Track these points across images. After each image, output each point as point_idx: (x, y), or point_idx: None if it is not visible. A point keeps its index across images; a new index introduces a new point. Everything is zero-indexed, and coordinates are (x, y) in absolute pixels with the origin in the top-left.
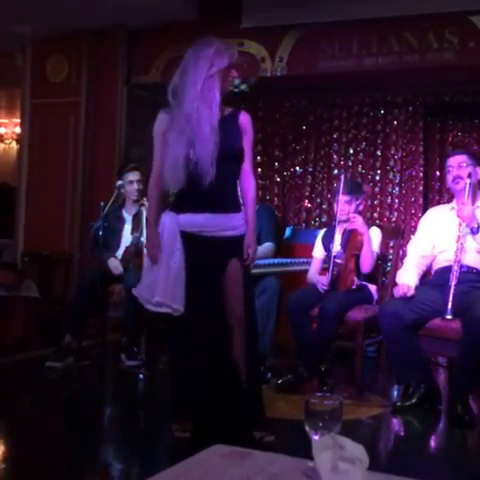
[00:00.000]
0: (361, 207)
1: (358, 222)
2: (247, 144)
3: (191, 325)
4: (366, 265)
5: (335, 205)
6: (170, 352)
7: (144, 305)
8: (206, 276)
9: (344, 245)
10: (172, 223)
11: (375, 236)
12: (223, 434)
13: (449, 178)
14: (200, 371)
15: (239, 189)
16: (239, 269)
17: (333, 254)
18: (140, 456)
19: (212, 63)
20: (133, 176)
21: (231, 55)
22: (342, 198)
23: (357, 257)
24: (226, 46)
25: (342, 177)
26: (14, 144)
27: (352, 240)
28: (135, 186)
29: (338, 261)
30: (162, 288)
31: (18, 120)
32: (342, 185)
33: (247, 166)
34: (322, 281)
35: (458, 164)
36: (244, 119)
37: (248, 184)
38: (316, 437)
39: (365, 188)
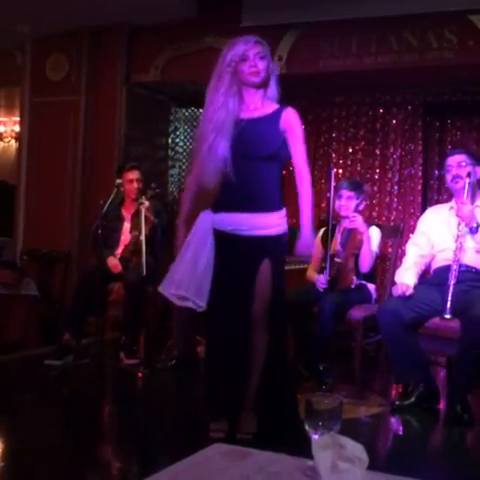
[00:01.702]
0: (361, 206)
1: (358, 221)
2: (293, 143)
3: (220, 322)
4: (365, 264)
5: (335, 202)
6: (205, 349)
7: (170, 299)
8: (236, 274)
9: (343, 244)
10: (205, 221)
11: (374, 235)
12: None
13: (448, 177)
14: (229, 369)
15: (299, 183)
16: (269, 270)
17: (331, 253)
18: (139, 455)
19: (224, 57)
20: (133, 175)
21: (243, 44)
22: (346, 193)
23: (356, 256)
24: (242, 38)
25: (332, 172)
26: (13, 142)
27: (352, 239)
28: (135, 185)
29: (337, 260)
30: (187, 283)
31: (17, 118)
32: (332, 180)
33: (298, 167)
34: (321, 280)
35: (457, 163)
36: (286, 117)
37: (299, 187)
38: (316, 436)
39: (365, 188)
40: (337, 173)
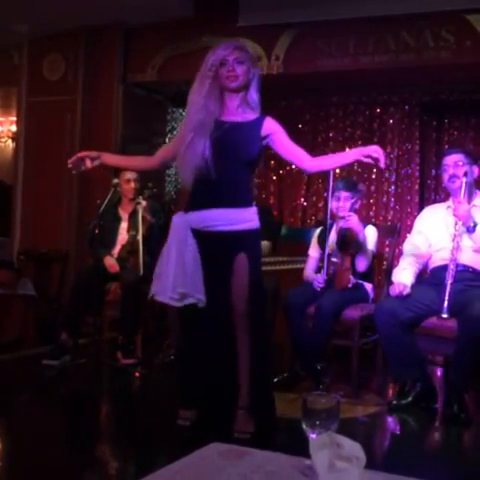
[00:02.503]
0: (356, 205)
1: (353, 220)
2: (282, 140)
3: (196, 316)
4: (362, 264)
5: (331, 202)
6: (179, 341)
7: (167, 303)
8: (213, 271)
9: (340, 244)
10: (180, 221)
11: (371, 235)
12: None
13: (445, 177)
14: (204, 362)
15: (309, 165)
16: (245, 265)
17: (328, 252)
18: (137, 454)
19: (207, 61)
20: (130, 174)
21: (223, 49)
22: (343, 194)
23: (353, 256)
24: (224, 43)
25: (331, 173)
26: (10, 142)
27: (348, 239)
28: (132, 185)
29: (334, 260)
30: (182, 281)
31: (14, 118)
32: (331, 180)
33: (297, 152)
34: (318, 279)
35: (454, 163)
36: (268, 124)
37: (315, 160)
38: (313, 435)
39: (360, 187)
40: (334, 173)
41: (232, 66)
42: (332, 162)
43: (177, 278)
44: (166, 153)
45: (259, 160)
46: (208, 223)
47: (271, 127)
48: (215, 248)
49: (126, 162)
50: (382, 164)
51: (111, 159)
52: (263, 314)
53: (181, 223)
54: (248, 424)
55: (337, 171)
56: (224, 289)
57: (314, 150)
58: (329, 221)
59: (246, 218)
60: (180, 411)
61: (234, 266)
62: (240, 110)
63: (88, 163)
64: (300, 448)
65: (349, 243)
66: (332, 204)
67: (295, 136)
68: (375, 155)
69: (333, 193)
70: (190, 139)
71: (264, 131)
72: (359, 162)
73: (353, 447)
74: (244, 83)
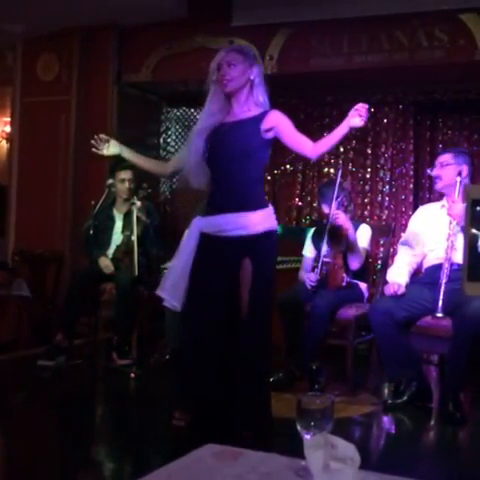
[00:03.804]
0: (344, 203)
1: (341, 218)
2: (286, 130)
3: (197, 321)
4: (354, 261)
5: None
6: (181, 342)
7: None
8: (217, 275)
9: (330, 243)
10: (194, 226)
11: (364, 233)
12: (219, 431)
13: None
14: (203, 366)
15: (310, 152)
16: (248, 270)
17: (322, 253)
18: (132, 455)
19: (210, 66)
20: (125, 175)
21: (219, 54)
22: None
23: (344, 253)
24: (221, 50)
25: (339, 172)
26: (4, 143)
27: (337, 237)
28: (126, 185)
29: (325, 259)
30: (165, 285)
31: (8, 119)
32: (339, 178)
33: (301, 141)
34: (310, 278)
35: (439, 164)
36: (272, 116)
37: (314, 145)
38: (308, 436)
39: (345, 185)
40: (328, 172)
41: (224, 70)
42: (329, 140)
43: (166, 280)
44: (177, 161)
45: (262, 153)
46: (218, 228)
47: (274, 119)
48: (223, 253)
49: (140, 161)
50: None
51: (128, 153)
52: (268, 319)
53: (193, 228)
54: (248, 424)
55: (331, 170)
56: (230, 294)
57: None
58: (324, 221)
59: (257, 221)
60: (176, 412)
61: (241, 272)
62: (245, 109)
63: (105, 150)
64: (295, 449)
65: (338, 241)
66: (320, 205)
67: None
68: (362, 110)
69: (335, 196)
70: (191, 140)
71: (267, 124)
72: (353, 128)
73: (347, 448)
74: (239, 85)
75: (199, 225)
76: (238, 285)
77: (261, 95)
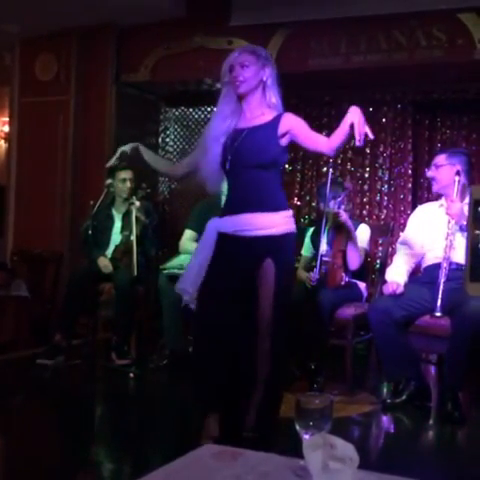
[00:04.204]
0: (344, 203)
1: (343, 217)
2: (302, 132)
3: (210, 320)
4: (354, 261)
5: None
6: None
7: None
8: (232, 275)
9: (330, 242)
10: (211, 226)
11: (363, 232)
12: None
13: None
14: (214, 366)
15: (326, 148)
16: (271, 271)
17: (321, 252)
18: (131, 455)
19: (223, 68)
20: (126, 174)
21: (230, 57)
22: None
23: (344, 253)
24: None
25: (330, 172)
26: (2, 143)
27: (338, 236)
28: (128, 184)
29: (325, 259)
30: (183, 282)
31: (7, 119)
32: (329, 179)
33: (317, 140)
34: (310, 276)
35: (434, 165)
36: (286, 120)
37: (328, 140)
38: (307, 436)
39: (346, 185)
40: (327, 172)
41: (237, 71)
42: (338, 135)
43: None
44: (189, 164)
45: (281, 160)
46: (237, 228)
47: (288, 123)
48: (240, 253)
49: (154, 161)
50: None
51: (145, 152)
52: (287, 321)
53: (210, 228)
54: (258, 424)
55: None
56: (247, 295)
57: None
58: (323, 220)
59: (277, 222)
60: (205, 424)
61: (261, 272)
62: (259, 113)
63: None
64: (294, 449)
65: (339, 240)
66: (320, 205)
67: None
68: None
69: (328, 192)
70: (208, 146)
71: (282, 129)
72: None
73: (346, 447)
74: (251, 87)
75: (216, 225)
76: (255, 285)
77: (274, 96)
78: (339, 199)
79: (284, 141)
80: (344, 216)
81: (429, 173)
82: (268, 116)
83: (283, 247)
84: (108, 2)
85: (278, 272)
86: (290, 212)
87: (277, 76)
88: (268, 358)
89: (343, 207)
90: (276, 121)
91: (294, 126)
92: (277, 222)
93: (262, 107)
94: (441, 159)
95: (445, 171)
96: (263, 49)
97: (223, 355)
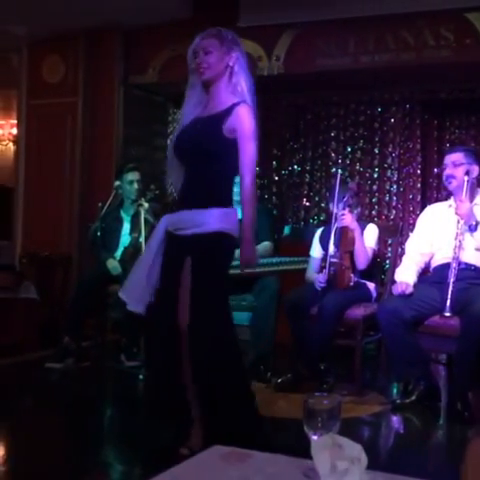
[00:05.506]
0: (349, 203)
1: (347, 219)
2: (240, 142)
3: (152, 329)
4: (361, 261)
5: (334, 205)
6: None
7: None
8: (165, 276)
9: (337, 243)
10: (160, 223)
11: (371, 232)
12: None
13: (443, 176)
14: (167, 374)
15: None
16: (188, 271)
17: (330, 253)
18: (140, 457)
19: (187, 54)
20: (133, 176)
21: (193, 42)
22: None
23: (351, 254)
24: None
25: (338, 176)
26: (11, 145)
27: (344, 237)
28: (135, 186)
29: (333, 260)
30: (126, 287)
31: (15, 121)
32: (338, 184)
33: (241, 163)
34: (319, 279)
35: (452, 162)
36: (235, 115)
37: (241, 184)
38: (315, 437)
39: (350, 185)
40: (336, 172)
41: (201, 57)
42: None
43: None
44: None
45: (225, 152)
46: (176, 226)
47: (237, 120)
48: (172, 251)
49: None
50: None
51: None
52: (212, 329)
53: (159, 225)
54: (197, 439)
55: (339, 170)
56: (170, 295)
57: (316, 149)
58: (332, 221)
59: (203, 220)
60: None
61: (183, 273)
62: (222, 100)
63: None
64: (302, 449)
65: (345, 241)
66: (330, 205)
67: (296, 136)
68: None
69: (336, 197)
70: (171, 140)
71: (230, 124)
72: None
73: (354, 448)
74: (216, 72)
75: (165, 223)
76: (176, 289)
77: (242, 83)
78: (344, 200)
79: (230, 135)
80: (348, 219)
81: (447, 171)
82: (224, 105)
83: (209, 247)
84: (115, 4)
85: (197, 273)
86: (231, 210)
87: (247, 60)
88: (194, 370)
89: (348, 208)
90: (227, 113)
91: (237, 129)
92: (207, 220)
93: (227, 94)
94: (460, 157)
95: (462, 170)
96: (230, 32)
97: (171, 361)
